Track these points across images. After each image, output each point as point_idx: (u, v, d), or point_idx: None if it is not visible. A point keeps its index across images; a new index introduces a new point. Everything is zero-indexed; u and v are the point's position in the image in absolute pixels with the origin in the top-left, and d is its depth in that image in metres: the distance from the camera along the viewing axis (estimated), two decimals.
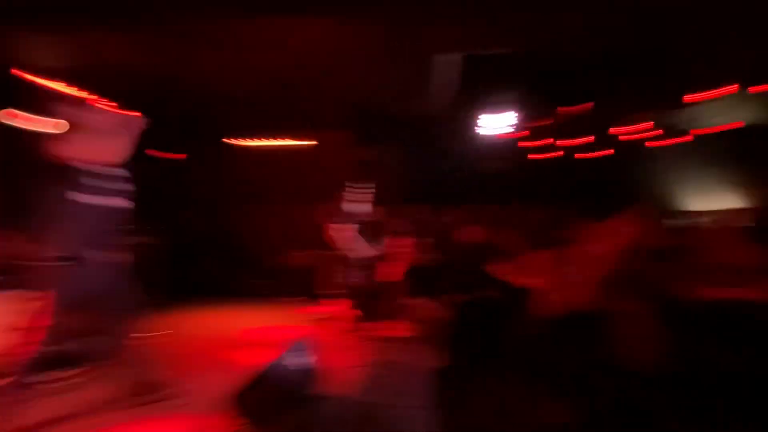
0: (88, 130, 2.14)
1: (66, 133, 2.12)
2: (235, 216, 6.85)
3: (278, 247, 6.93)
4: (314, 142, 6.83)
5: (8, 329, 2.59)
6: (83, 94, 4.68)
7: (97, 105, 2.23)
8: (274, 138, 6.77)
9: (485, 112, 5.30)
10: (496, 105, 5.30)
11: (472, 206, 5.36)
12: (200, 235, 6.42)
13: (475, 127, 5.20)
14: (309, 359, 2.43)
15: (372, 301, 5.19)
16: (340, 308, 4.21)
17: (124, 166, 2.36)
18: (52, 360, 2.81)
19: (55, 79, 4.32)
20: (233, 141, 6.84)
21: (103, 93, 5.01)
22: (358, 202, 4.43)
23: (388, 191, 6.50)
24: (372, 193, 4.53)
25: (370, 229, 5.05)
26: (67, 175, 2.11)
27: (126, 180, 2.41)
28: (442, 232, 5.24)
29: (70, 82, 4.49)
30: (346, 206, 4.30)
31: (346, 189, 4.34)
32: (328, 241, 4.04)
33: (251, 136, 6.76)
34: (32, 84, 4.17)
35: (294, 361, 2.32)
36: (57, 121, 2.19)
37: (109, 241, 2.30)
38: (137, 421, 2.35)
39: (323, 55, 3.92)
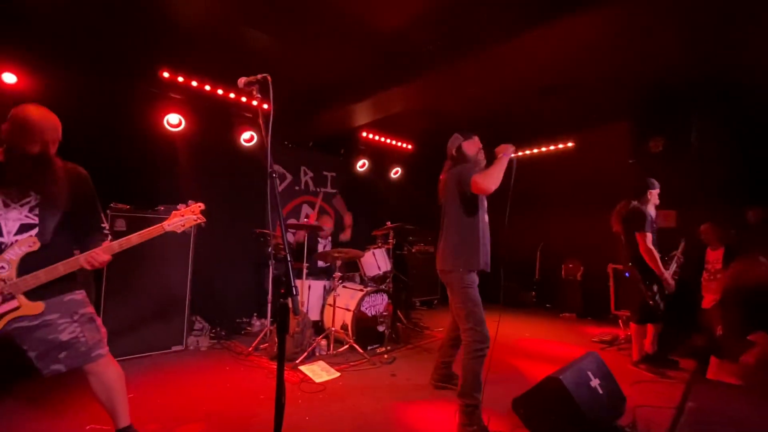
0: (500, 164, 2.54)
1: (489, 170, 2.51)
2: (511, 226, 7.12)
3: (551, 257, 6.68)
4: (584, 142, 6.22)
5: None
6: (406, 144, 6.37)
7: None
8: (541, 144, 6.63)
9: None
10: None
11: None
12: None
13: None
14: (598, 383, 2.23)
15: (687, 331, 4.16)
16: (633, 330, 3.59)
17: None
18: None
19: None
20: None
21: (399, 135, 6.53)
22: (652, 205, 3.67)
23: (695, 189, 5.06)
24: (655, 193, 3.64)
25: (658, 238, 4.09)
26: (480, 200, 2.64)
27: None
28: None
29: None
30: (649, 210, 3.61)
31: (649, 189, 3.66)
32: (647, 256, 3.46)
33: (518, 146, 6.90)
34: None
35: (580, 381, 2.19)
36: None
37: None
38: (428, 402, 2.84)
39: (596, 46, 3.55)
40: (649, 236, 3.45)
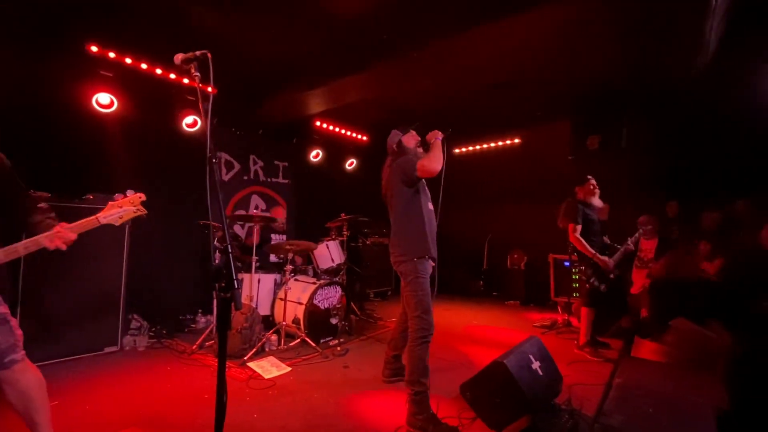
0: (437, 146, 2.69)
1: (429, 154, 2.67)
2: (456, 218, 7.35)
3: (497, 248, 7.00)
4: (529, 139, 6.55)
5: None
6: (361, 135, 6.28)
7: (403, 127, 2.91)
8: (490, 140, 6.89)
9: None
10: None
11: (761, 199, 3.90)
12: None
13: None
14: (539, 366, 2.38)
15: (616, 314, 4.56)
16: (582, 313, 3.87)
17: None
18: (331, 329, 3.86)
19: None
20: (450, 148, 7.36)
21: (354, 126, 6.46)
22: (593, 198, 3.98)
23: (630, 184, 5.53)
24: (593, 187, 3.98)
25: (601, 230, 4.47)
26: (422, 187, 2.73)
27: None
28: (715, 234, 4.05)
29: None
30: (583, 203, 3.93)
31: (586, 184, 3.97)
32: (576, 244, 3.76)
33: (467, 142, 7.11)
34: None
35: (522, 364, 2.32)
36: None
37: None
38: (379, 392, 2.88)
39: (542, 48, 3.73)
40: (578, 227, 3.77)
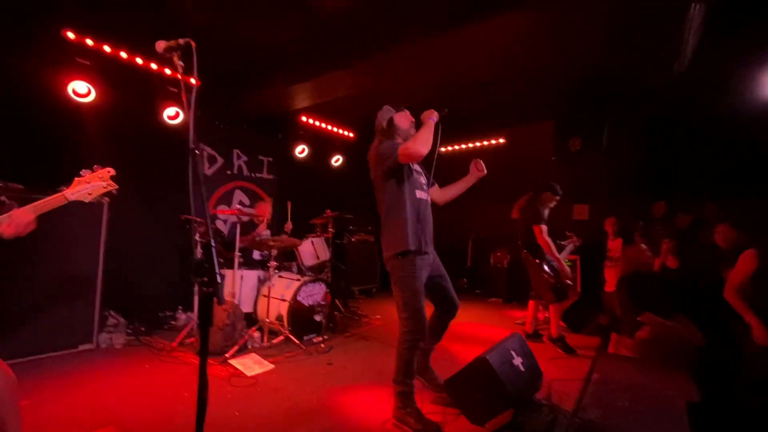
0: (426, 127, 2.41)
1: (416, 135, 2.40)
2: (442, 216, 7.40)
3: (481, 247, 7.08)
4: (513, 139, 6.65)
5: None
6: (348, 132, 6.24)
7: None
8: (475, 139, 6.95)
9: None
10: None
11: (729, 200, 4.07)
12: None
13: (750, 90, 3.86)
14: (520, 362, 2.42)
15: (593, 312, 4.69)
16: (552, 311, 3.95)
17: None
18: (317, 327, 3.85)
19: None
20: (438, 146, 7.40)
21: (340, 122, 6.42)
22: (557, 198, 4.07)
23: (607, 184, 5.67)
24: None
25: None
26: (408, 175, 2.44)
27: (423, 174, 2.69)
28: (682, 233, 4.21)
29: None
30: (546, 201, 4.01)
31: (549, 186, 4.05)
32: (545, 246, 3.82)
33: (453, 141, 7.16)
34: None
35: (504, 360, 2.35)
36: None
37: (432, 232, 2.56)
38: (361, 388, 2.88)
39: (524, 49, 3.79)
40: (545, 228, 3.83)
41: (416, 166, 2.60)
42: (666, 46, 3.56)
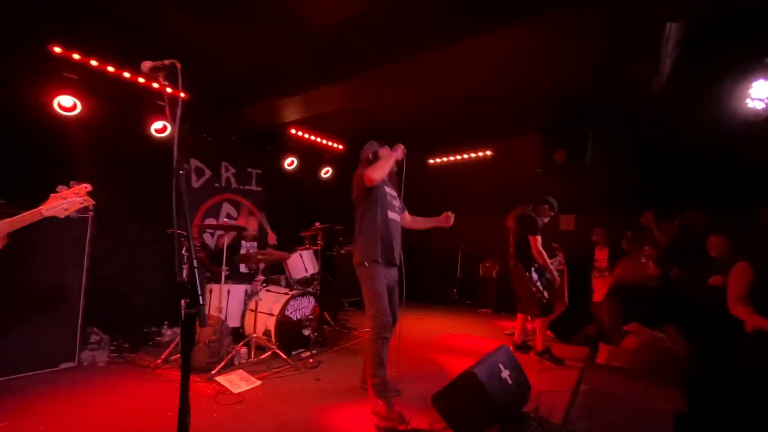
0: (385, 159, 2.86)
1: (375, 164, 2.82)
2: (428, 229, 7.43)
3: (470, 257, 7.12)
4: (501, 151, 6.76)
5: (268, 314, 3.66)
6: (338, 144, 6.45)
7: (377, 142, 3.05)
8: (463, 152, 7.05)
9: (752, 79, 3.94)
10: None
11: (714, 211, 4.18)
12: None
13: (739, 103, 3.99)
14: (508, 374, 2.43)
15: (581, 322, 4.73)
16: (538, 324, 3.98)
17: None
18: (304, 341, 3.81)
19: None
20: (424, 158, 7.47)
21: (330, 135, 6.46)
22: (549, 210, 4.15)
23: (593, 195, 5.77)
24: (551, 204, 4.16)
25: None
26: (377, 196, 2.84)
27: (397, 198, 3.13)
28: (669, 244, 4.29)
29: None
30: (542, 215, 4.10)
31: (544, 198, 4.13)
32: (539, 257, 3.89)
33: (441, 153, 7.25)
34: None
35: (492, 374, 2.36)
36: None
37: (399, 249, 2.96)
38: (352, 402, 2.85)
39: (514, 64, 3.90)
40: (539, 239, 3.90)
41: (390, 191, 3.02)
42: (643, 64, 3.70)
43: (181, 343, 1.04)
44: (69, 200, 1.67)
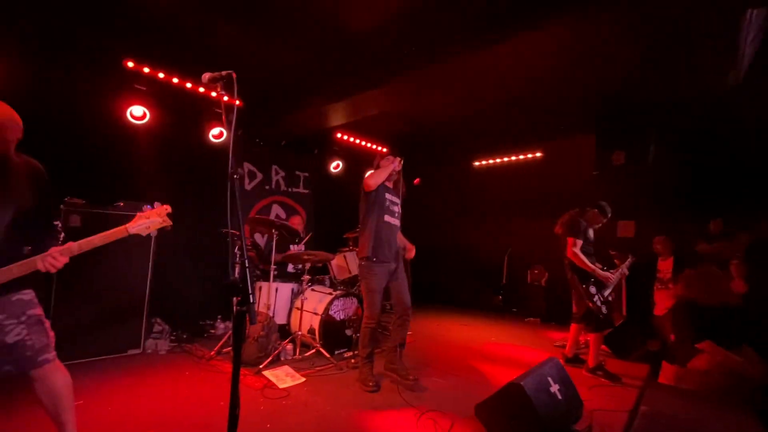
0: (382, 169, 3.24)
1: (373, 172, 3.22)
2: (476, 231, 7.26)
3: (517, 263, 6.85)
4: (551, 153, 6.45)
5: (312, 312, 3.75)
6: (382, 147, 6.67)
7: (384, 152, 3.32)
8: (510, 153, 6.83)
9: None
10: None
11: None
12: (440, 247, 7.13)
13: None
14: (557, 389, 2.30)
15: (641, 336, 4.38)
16: (593, 338, 3.73)
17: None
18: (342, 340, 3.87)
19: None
20: (470, 161, 7.32)
21: (375, 138, 6.54)
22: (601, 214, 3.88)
23: (654, 200, 5.34)
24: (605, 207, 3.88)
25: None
26: (375, 201, 3.21)
27: (399, 205, 3.41)
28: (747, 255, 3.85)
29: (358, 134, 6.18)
30: (592, 220, 3.86)
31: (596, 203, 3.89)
32: (574, 259, 3.69)
33: (487, 155, 7.07)
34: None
35: (540, 387, 2.25)
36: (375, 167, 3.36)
37: (395, 248, 3.28)
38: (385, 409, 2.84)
39: (561, 61, 3.71)
40: (579, 242, 3.68)
41: (392, 197, 3.32)
42: (720, 56, 3.35)
43: (233, 340, 1.09)
44: (151, 220, 1.83)
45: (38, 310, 1.76)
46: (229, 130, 1.36)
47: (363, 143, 6.58)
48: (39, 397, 1.76)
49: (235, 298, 1.09)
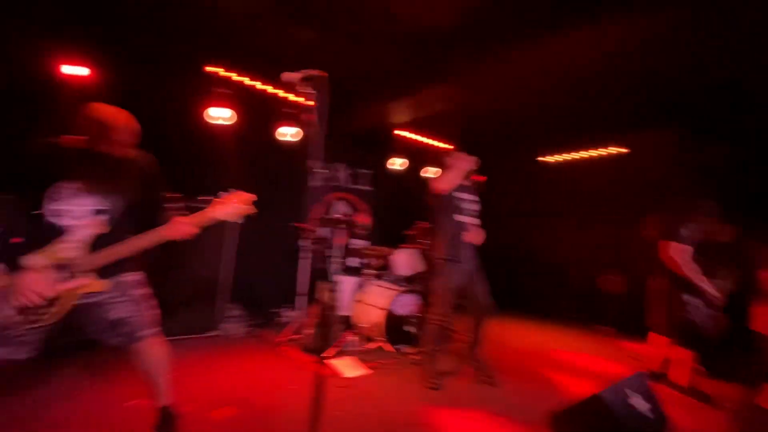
0: (453, 170, 3.19)
1: (442, 174, 3.24)
2: (544, 232, 6.88)
3: (594, 268, 6.37)
4: (633, 149, 5.89)
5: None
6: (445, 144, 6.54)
7: (454, 150, 3.33)
8: (586, 149, 6.34)
9: None
10: None
11: None
12: (512, 250, 6.85)
13: None
14: (647, 408, 2.10)
15: (740, 355, 3.86)
16: (685, 354, 3.35)
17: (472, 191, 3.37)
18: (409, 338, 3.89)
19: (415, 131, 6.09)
20: (541, 158, 6.94)
21: (442, 136, 6.47)
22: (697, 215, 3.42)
23: (759, 203, 4.66)
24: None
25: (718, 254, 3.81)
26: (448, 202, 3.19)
27: (476, 202, 3.35)
28: None
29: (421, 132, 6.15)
30: (682, 220, 3.41)
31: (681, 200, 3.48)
32: (668, 264, 3.27)
33: (560, 151, 6.64)
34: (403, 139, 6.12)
35: (624, 403, 2.07)
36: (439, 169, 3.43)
37: (470, 249, 3.23)
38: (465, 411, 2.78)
39: (636, 50, 3.36)
40: (680, 247, 3.20)
41: (468, 196, 3.27)
42: None
43: (316, 327, 1.13)
44: (240, 206, 2.01)
45: (146, 290, 1.98)
46: (308, 129, 1.43)
47: (427, 140, 6.52)
48: (140, 367, 1.98)
49: (316, 288, 1.12)
